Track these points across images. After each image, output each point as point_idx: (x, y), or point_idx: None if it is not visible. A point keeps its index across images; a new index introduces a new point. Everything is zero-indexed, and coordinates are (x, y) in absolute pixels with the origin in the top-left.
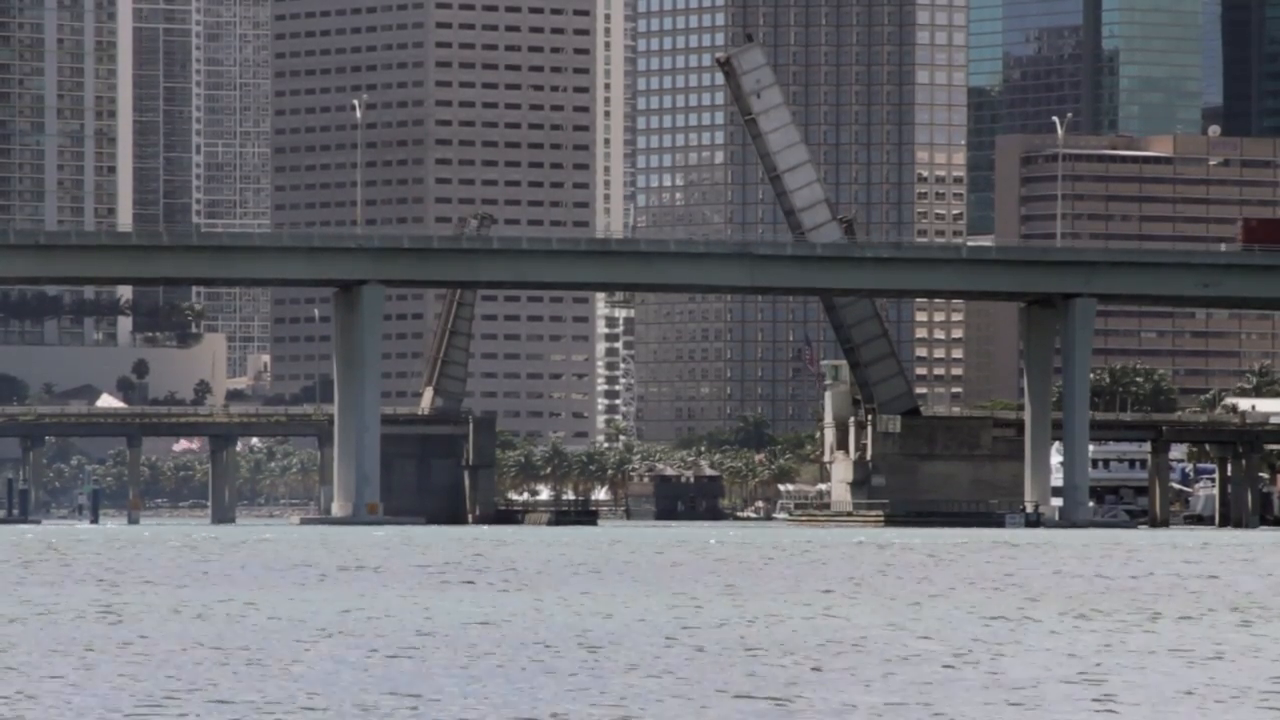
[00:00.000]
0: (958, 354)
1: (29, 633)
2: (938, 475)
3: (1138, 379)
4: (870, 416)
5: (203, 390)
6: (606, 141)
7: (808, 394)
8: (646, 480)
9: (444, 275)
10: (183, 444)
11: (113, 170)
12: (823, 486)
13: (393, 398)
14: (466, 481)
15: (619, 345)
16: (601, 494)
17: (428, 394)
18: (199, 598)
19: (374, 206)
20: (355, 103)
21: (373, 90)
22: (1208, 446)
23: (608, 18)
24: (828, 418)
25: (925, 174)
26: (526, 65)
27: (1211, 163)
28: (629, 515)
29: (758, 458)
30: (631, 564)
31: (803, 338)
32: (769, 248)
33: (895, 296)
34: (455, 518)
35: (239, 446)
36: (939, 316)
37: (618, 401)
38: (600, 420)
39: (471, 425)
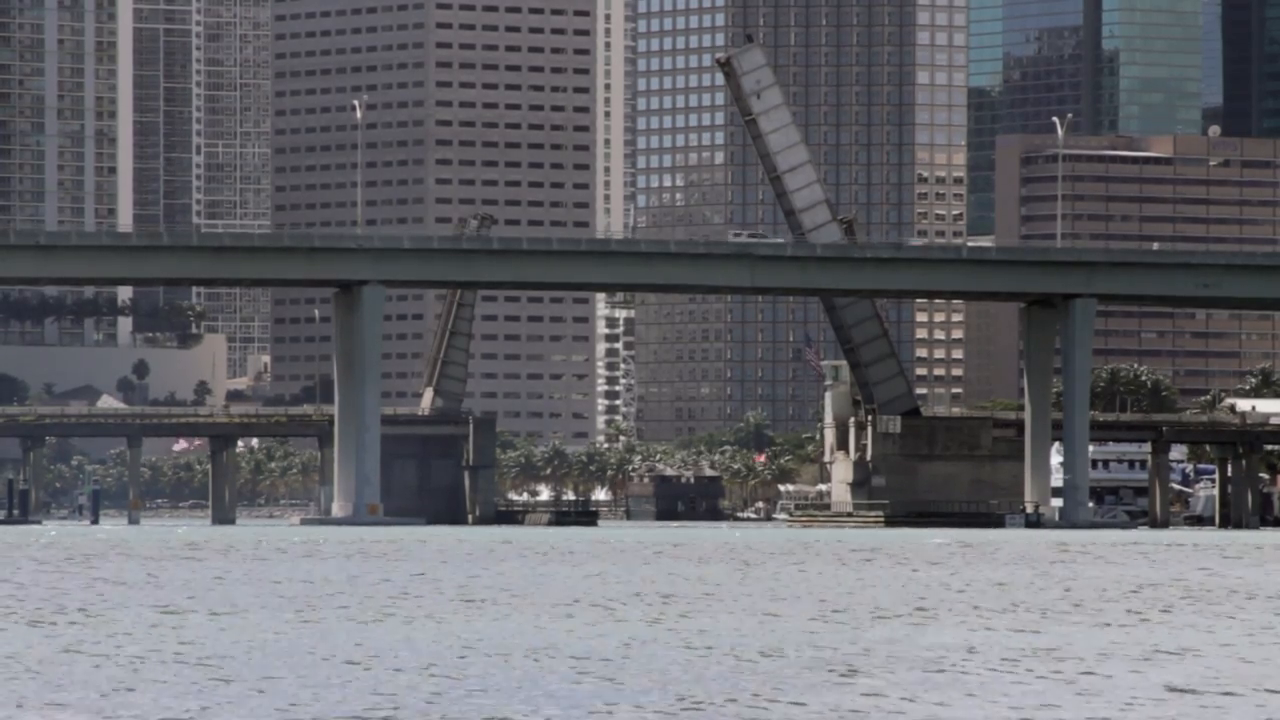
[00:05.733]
0: (958, 354)
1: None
2: (938, 475)
3: (1141, 379)
4: (870, 417)
5: (203, 391)
6: (606, 141)
7: (808, 394)
8: (646, 481)
9: (444, 275)
10: (181, 444)
11: (113, 170)
12: (823, 487)
13: (393, 398)
14: (466, 482)
15: (619, 345)
16: (601, 494)
17: (428, 394)
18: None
19: (374, 206)
20: (355, 103)
21: (373, 90)
22: (1208, 447)
23: (608, 18)
24: (828, 418)
25: (925, 174)
26: (526, 65)
27: (1211, 163)
28: (629, 516)
29: (758, 458)
30: None
31: (803, 338)
32: (769, 248)
33: (895, 297)
34: (455, 518)
35: (239, 447)
36: (939, 316)
37: (618, 402)
38: (600, 420)
39: (471, 426)
